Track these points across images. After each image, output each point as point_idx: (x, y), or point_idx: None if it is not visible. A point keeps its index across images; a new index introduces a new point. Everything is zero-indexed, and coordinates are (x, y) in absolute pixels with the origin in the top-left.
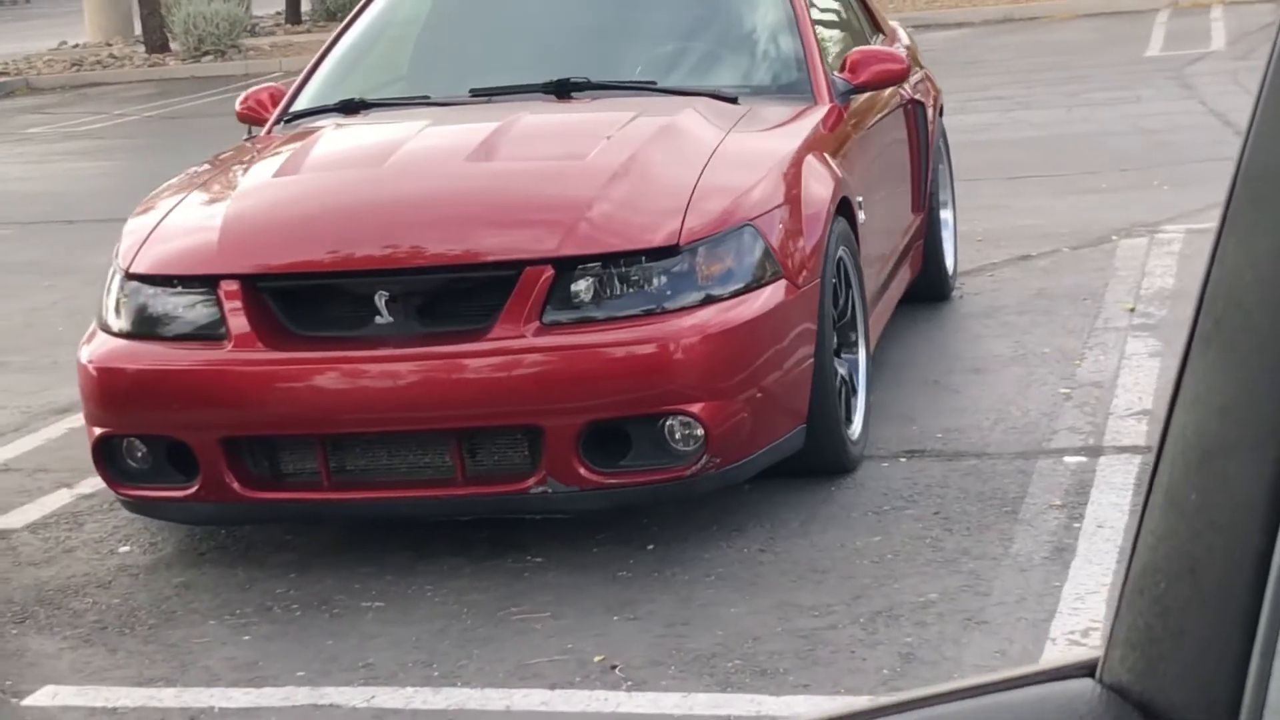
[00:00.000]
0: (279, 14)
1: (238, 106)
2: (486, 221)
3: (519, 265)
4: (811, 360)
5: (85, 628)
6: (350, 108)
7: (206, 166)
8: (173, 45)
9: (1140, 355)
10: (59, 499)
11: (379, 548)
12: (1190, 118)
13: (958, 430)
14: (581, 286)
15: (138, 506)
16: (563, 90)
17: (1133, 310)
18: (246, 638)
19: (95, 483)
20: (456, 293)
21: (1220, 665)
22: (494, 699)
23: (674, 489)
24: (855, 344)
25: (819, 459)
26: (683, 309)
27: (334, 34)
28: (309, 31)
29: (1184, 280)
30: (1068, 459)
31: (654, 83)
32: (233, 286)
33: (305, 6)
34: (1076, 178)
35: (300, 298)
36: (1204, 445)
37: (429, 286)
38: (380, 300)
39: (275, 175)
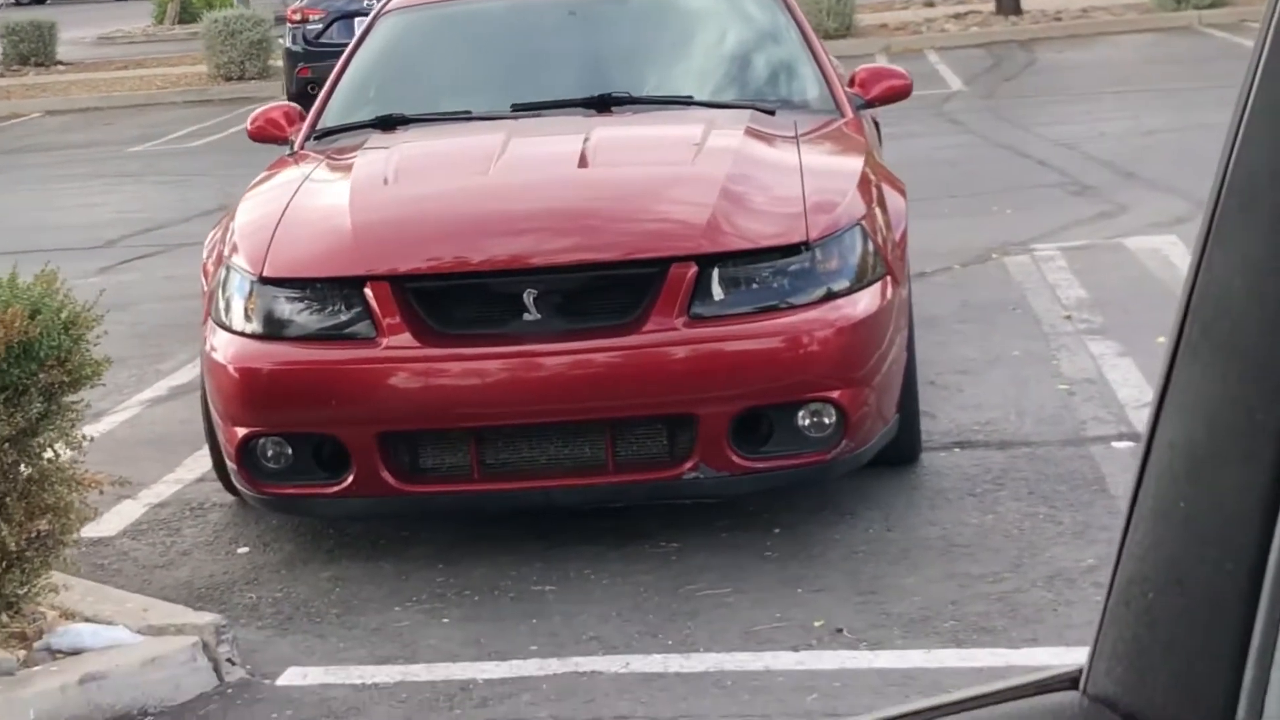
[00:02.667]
0: None
1: (249, 125)
2: (625, 222)
3: (665, 263)
4: (906, 352)
5: (270, 618)
6: (389, 123)
7: (279, 175)
8: None
9: (1109, 355)
10: (132, 509)
11: (507, 541)
12: (979, 150)
13: (989, 423)
14: (721, 282)
15: (279, 504)
16: (603, 105)
17: (1069, 318)
18: (445, 620)
19: (159, 492)
20: (597, 289)
21: (1211, 675)
22: (747, 661)
23: (814, 472)
24: None
25: (899, 448)
26: (810, 303)
27: (344, 55)
28: (2, 76)
29: (1095, 291)
30: (1116, 444)
31: (691, 97)
32: (382, 287)
33: None
34: (912, 204)
35: (443, 297)
36: (1192, 454)
37: (574, 285)
38: (529, 298)
39: (384, 183)
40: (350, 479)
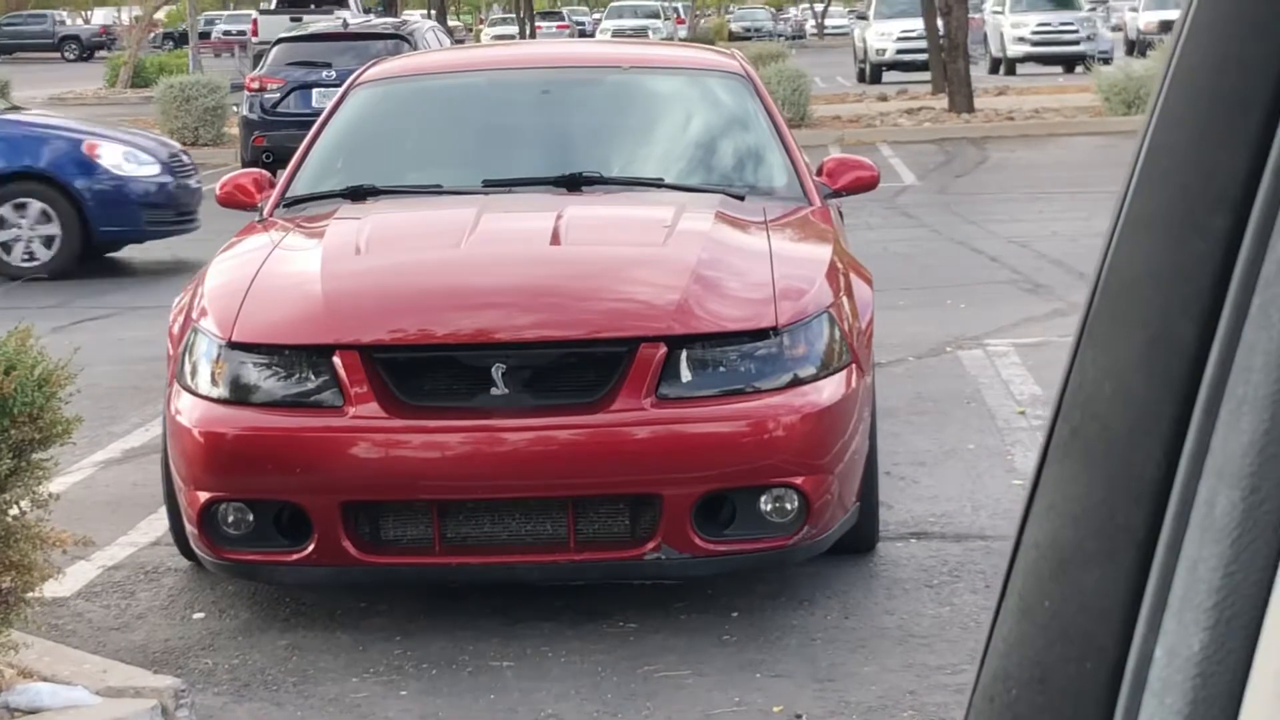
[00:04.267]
0: None
1: (218, 190)
2: (596, 300)
3: (634, 343)
4: (868, 441)
5: (228, 684)
6: (359, 194)
7: (249, 241)
8: None
9: None
10: (86, 570)
11: (466, 615)
12: (932, 244)
13: (944, 516)
14: (689, 364)
15: (239, 570)
16: (574, 184)
17: (1023, 414)
18: (404, 693)
19: (113, 554)
20: (566, 367)
21: None
22: None
23: (775, 557)
24: None
25: (857, 536)
26: (777, 388)
27: (316, 124)
28: None
29: (1049, 388)
30: None
31: (661, 180)
32: (351, 356)
33: None
34: None
35: (412, 368)
36: (1059, 554)
37: (543, 361)
38: (497, 373)
39: (356, 252)
40: (311, 547)
